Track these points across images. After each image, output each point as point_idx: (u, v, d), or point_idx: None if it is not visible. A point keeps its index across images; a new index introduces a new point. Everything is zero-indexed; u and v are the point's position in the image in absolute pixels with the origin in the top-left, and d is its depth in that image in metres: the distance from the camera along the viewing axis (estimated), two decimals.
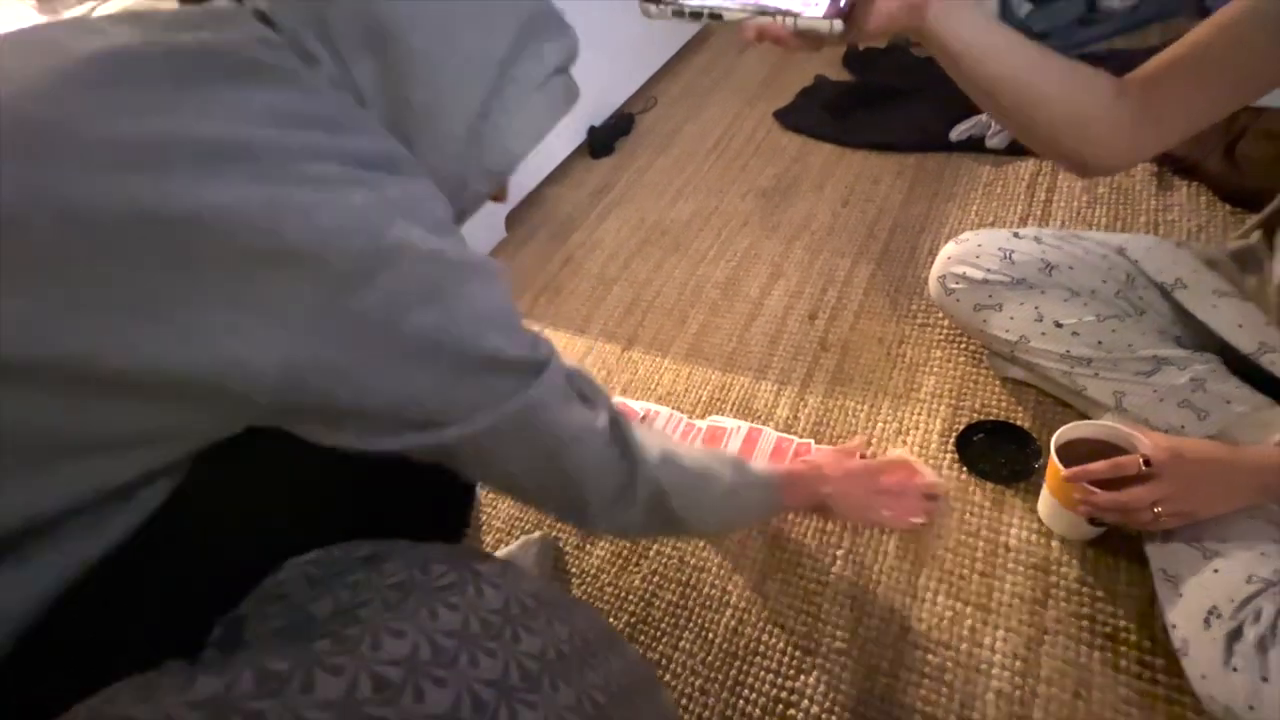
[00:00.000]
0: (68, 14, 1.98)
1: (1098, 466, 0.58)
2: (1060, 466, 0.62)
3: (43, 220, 0.28)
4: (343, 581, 0.36)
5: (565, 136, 1.58)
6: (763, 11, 0.46)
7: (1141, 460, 0.56)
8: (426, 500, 0.53)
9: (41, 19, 1.97)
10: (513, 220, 1.46)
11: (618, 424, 0.45)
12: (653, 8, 0.48)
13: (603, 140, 1.62)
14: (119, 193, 0.28)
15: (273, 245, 0.30)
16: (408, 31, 0.37)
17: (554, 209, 1.49)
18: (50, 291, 0.28)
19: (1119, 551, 0.68)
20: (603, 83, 1.65)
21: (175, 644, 0.34)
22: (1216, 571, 0.53)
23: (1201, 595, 0.52)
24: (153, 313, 0.29)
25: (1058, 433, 0.64)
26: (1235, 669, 0.47)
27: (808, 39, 0.47)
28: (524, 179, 1.47)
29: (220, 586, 0.38)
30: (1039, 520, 0.72)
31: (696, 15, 0.47)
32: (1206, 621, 0.51)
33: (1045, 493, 0.69)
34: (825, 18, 0.45)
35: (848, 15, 0.46)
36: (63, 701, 0.29)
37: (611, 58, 1.63)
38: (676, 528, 0.52)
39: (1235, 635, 0.49)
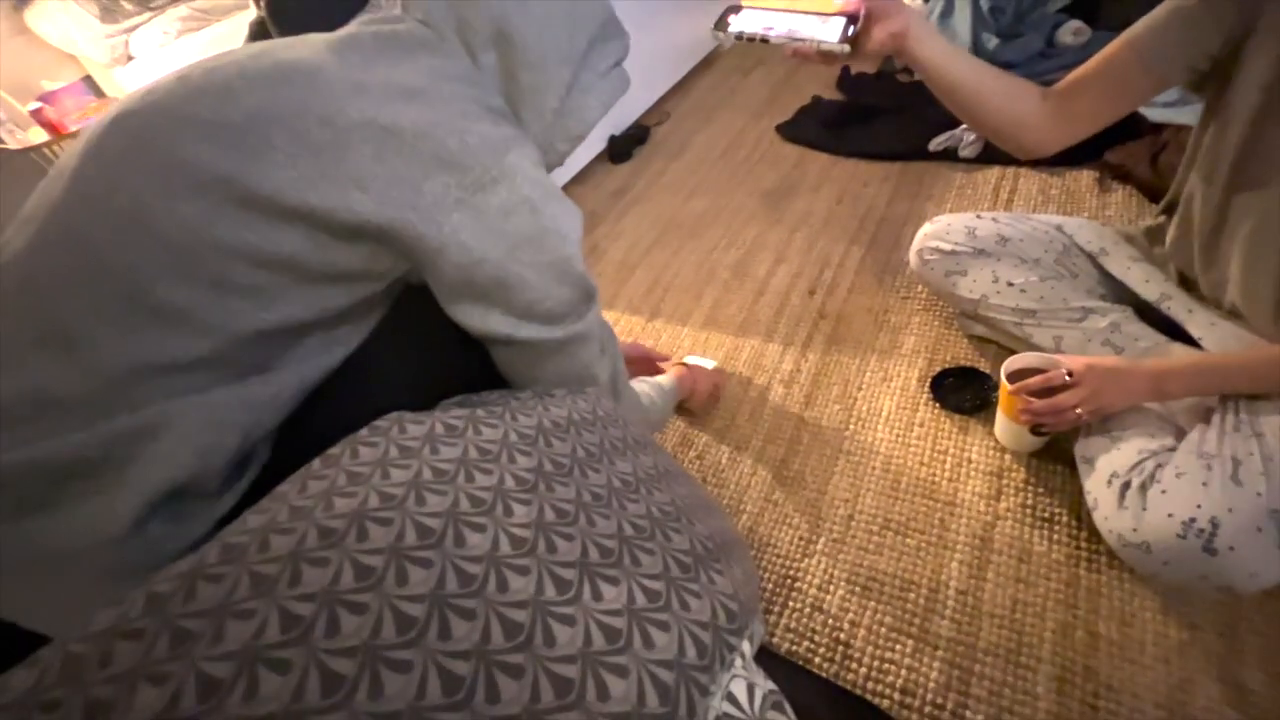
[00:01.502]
0: (127, 22, 2.14)
1: (1033, 381, 0.77)
2: (1008, 385, 0.80)
3: (311, 122, 0.44)
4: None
5: (587, 143, 1.76)
6: (795, 38, 0.65)
7: (1065, 373, 0.74)
8: None
9: (106, 28, 2.13)
10: None
11: (615, 379, 0.61)
12: (720, 34, 0.67)
13: (622, 148, 1.81)
14: (354, 110, 0.45)
15: (439, 151, 0.46)
16: (522, 33, 0.53)
17: (578, 206, 1.67)
18: (309, 165, 0.44)
19: (1055, 459, 0.85)
20: (622, 98, 1.85)
21: None
22: (1119, 450, 0.70)
23: (1107, 466, 0.70)
24: (367, 186, 0.44)
25: (1006, 362, 0.82)
26: (1125, 507, 0.65)
27: (826, 57, 0.65)
28: (553, 178, 1.65)
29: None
30: (996, 441, 0.90)
31: (751, 39, 0.65)
32: (1109, 481, 0.68)
33: (999, 415, 0.87)
34: (838, 42, 0.63)
35: (853, 40, 0.64)
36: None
37: (629, 75, 1.83)
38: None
39: (1126, 486, 0.66)
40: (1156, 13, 0.65)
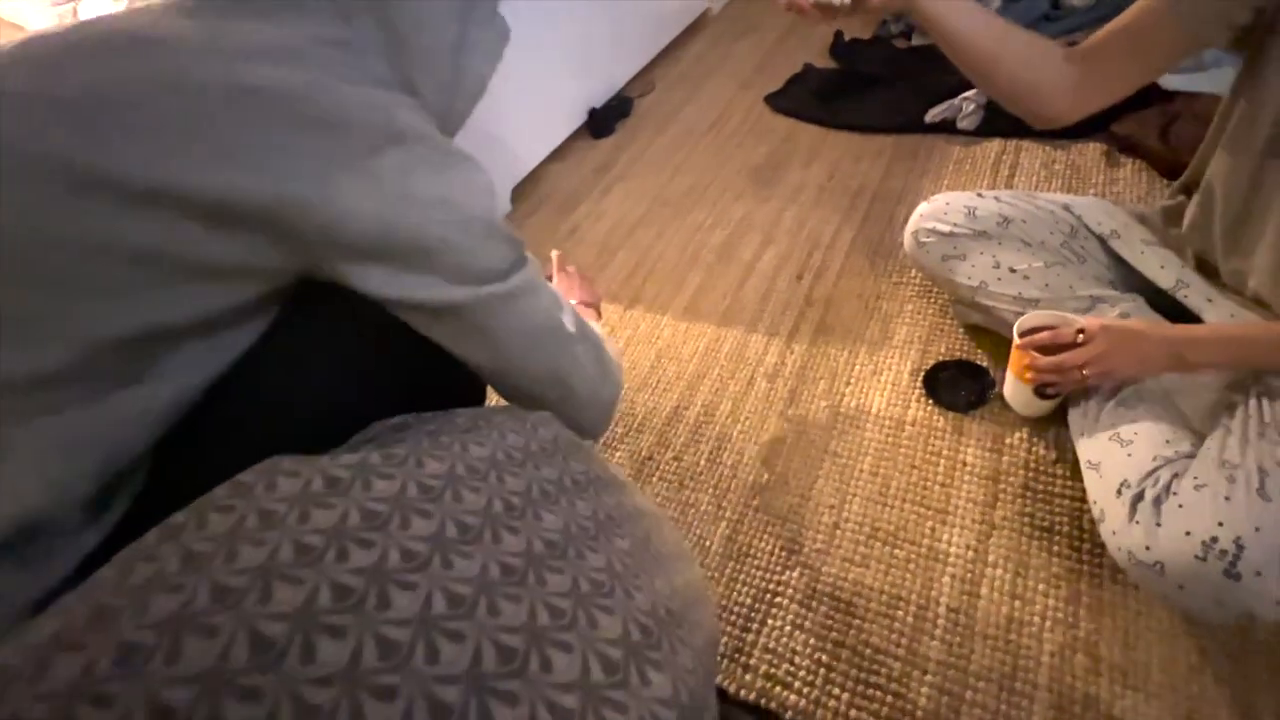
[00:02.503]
0: None
1: (1041, 335, 0.72)
2: (1018, 341, 0.75)
3: (159, 91, 0.37)
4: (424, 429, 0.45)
5: (567, 117, 1.67)
6: None
7: (1077, 332, 0.68)
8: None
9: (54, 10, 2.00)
10: (518, 194, 1.54)
11: (580, 326, 0.55)
12: None
13: (603, 121, 1.71)
14: (209, 74, 0.38)
15: (313, 111, 0.40)
16: None
17: (558, 184, 1.58)
18: (161, 140, 0.37)
19: (1057, 461, 0.79)
20: (603, 67, 1.74)
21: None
22: (1129, 456, 0.64)
23: (1116, 474, 0.64)
24: (235, 157, 0.38)
25: (1020, 319, 0.77)
26: (1137, 522, 0.59)
27: (824, 10, 0.57)
28: (527, 156, 1.56)
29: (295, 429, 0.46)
30: (992, 442, 0.83)
31: None
32: (1119, 491, 0.62)
33: (1008, 374, 0.81)
34: None
35: None
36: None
37: (611, 43, 1.72)
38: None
39: (1139, 498, 0.60)
40: None
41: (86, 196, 0.36)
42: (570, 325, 0.54)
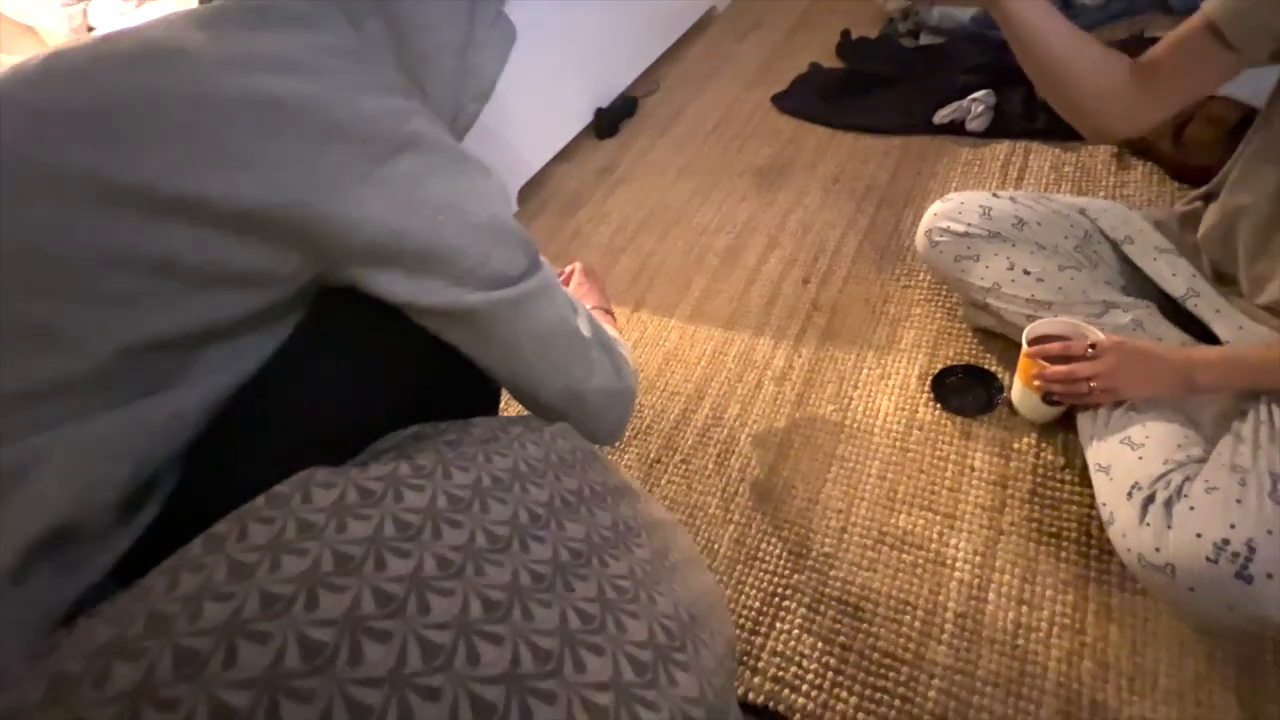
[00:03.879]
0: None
1: (1052, 346, 0.73)
2: (1027, 348, 0.75)
3: (178, 103, 0.38)
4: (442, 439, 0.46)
5: (572, 117, 1.67)
6: None
7: (1089, 345, 0.69)
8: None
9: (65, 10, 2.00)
10: (523, 195, 1.55)
11: (598, 333, 0.56)
12: None
13: (608, 122, 1.71)
14: (226, 85, 0.39)
15: (328, 120, 0.41)
16: None
17: (562, 185, 1.58)
18: (182, 150, 0.38)
19: (1064, 467, 0.79)
20: (608, 67, 1.74)
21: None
22: (1140, 459, 0.64)
23: (1126, 476, 0.64)
24: (252, 166, 0.39)
25: (1030, 325, 0.77)
26: (1148, 524, 0.59)
27: (900, 3, 0.57)
28: (532, 157, 1.56)
29: (320, 436, 0.47)
30: (1001, 444, 0.83)
31: None
32: (1129, 494, 0.62)
33: (1016, 379, 0.82)
34: None
35: None
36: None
37: (616, 44, 1.72)
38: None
39: (1149, 500, 0.60)
40: None
41: (111, 207, 0.37)
42: (585, 330, 0.54)
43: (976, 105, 1.32)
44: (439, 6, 0.51)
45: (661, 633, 0.33)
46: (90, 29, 1.87)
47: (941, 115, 1.37)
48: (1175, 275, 0.77)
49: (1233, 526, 0.54)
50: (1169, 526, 0.57)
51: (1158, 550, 0.57)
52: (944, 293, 1.05)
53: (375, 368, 0.51)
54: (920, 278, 1.08)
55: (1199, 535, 0.55)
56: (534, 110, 1.49)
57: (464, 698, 0.27)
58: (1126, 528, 0.61)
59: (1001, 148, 1.29)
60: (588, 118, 1.70)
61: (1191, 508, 0.57)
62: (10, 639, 0.34)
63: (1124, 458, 0.66)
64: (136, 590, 0.30)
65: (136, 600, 0.29)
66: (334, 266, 0.44)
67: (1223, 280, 0.74)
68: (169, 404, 0.41)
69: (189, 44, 0.41)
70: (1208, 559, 0.54)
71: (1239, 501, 0.55)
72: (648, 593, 0.35)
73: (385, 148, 0.42)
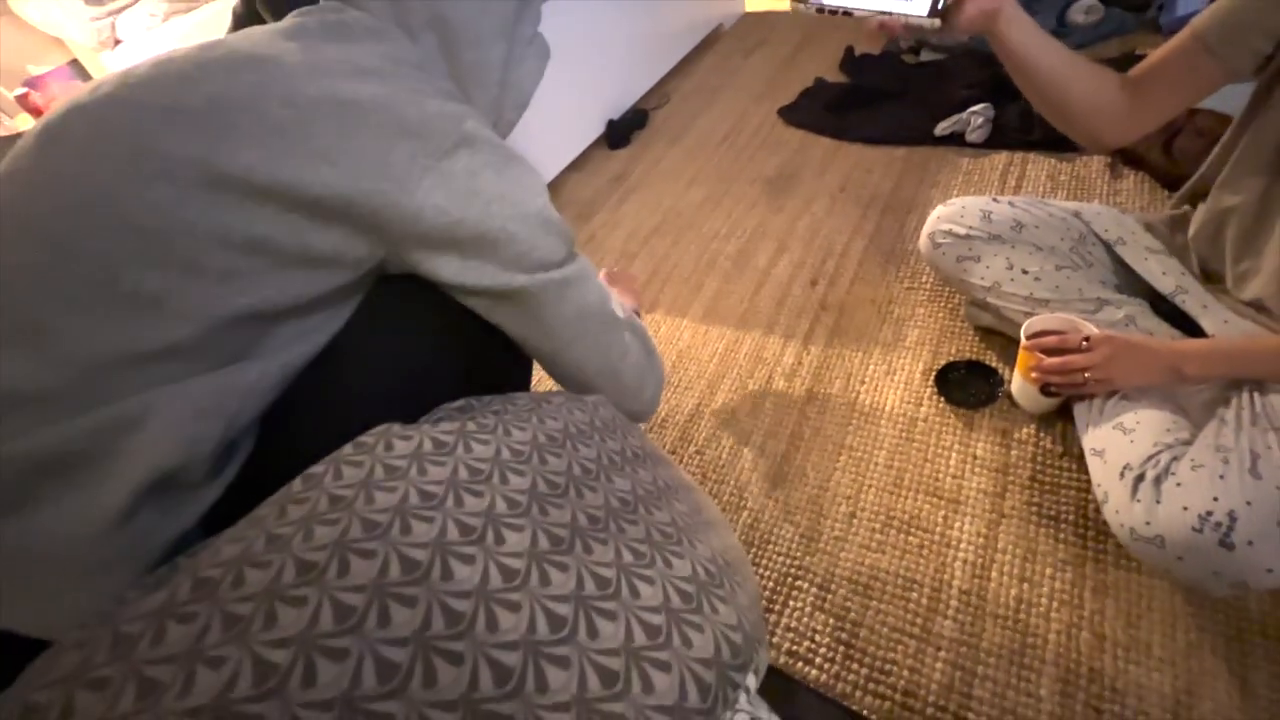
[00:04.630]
0: (111, 4, 2.09)
1: (1049, 339, 0.78)
2: (1025, 342, 0.80)
3: (272, 103, 0.44)
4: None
5: (585, 129, 1.73)
6: (883, 11, 0.62)
7: (1084, 339, 0.74)
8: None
9: (91, 10, 2.08)
10: None
11: (631, 317, 0.62)
12: (800, 5, 0.64)
13: (620, 133, 1.78)
14: (313, 88, 0.45)
15: (398, 120, 0.46)
16: (458, 13, 0.55)
17: (576, 193, 1.64)
18: (276, 144, 0.43)
19: (1062, 455, 0.84)
20: (620, 80, 1.80)
21: None
22: (1132, 442, 0.69)
23: (1119, 458, 0.68)
24: (335, 160, 0.44)
25: (1029, 321, 0.82)
26: (1139, 500, 0.63)
27: (913, 31, 0.63)
28: (547, 166, 1.62)
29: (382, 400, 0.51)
30: (1002, 434, 0.88)
31: (834, 12, 0.63)
32: (1122, 474, 0.67)
33: (1015, 372, 0.87)
34: (927, 16, 0.61)
35: (943, 14, 0.62)
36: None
37: (628, 58, 1.79)
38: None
39: (1140, 479, 0.65)
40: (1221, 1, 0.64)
41: (216, 192, 0.42)
42: (620, 313, 0.59)
43: (976, 118, 1.38)
44: (489, 21, 0.57)
45: (703, 571, 0.38)
46: (118, 41, 1.94)
47: (942, 127, 1.42)
48: (1165, 274, 0.82)
49: (1216, 499, 0.59)
50: (1158, 501, 0.62)
51: (1148, 524, 0.62)
52: (946, 294, 1.10)
53: (426, 345, 0.56)
54: (923, 279, 1.13)
55: (1185, 508, 0.60)
56: (550, 121, 1.54)
57: (484, 662, 0.28)
58: (1119, 505, 0.65)
59: (1000, 158, 1.35)
60: (601, 129, 1.77)
61: (1179, 484, 0.62)
62: (119, 571, 0.39)
63: (1117, 441, 0.70)
64: (249, 520, 0.34)
65: (252, 526, 0.33)
66: (397, 251, 0.50)
67: (1210, 278, 0.79)
68: (253, 371, 0.46)
69: (281, 52, 0.47)
70: (1193, 529, 0.59)
71: (1222, 477, 0.60)
72: (688, 539, 0.40)
73: (446, 144, 0.48)
